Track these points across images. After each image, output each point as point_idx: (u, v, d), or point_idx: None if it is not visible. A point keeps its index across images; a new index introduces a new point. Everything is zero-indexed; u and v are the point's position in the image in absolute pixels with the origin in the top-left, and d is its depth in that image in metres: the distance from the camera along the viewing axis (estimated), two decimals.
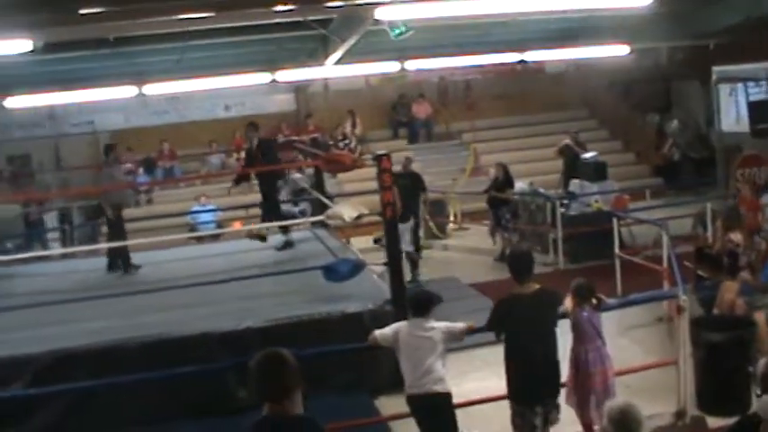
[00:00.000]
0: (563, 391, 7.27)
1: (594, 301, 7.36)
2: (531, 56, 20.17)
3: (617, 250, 12.89)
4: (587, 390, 7.21)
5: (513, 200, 16.70)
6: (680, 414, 8.04)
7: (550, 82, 25.56)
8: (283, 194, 20.61)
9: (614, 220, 13.23)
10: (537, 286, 7.07)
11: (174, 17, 11.43)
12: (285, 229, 13.87)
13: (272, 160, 13.80)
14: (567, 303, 7.36)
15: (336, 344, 9.06)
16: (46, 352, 9.01)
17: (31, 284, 13.03)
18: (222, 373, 8.97)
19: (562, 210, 15.67)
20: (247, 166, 14.32)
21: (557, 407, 7.06)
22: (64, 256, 14.77)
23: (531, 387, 6.93)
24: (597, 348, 7.27)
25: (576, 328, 7.32)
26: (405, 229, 13.79)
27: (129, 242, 12.98)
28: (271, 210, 13.88)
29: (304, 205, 18.45)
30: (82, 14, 10.51)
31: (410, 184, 16.56)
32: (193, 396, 8.85)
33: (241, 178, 14.80)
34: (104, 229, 14.55)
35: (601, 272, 12.43)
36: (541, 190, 17.36)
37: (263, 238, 13.59)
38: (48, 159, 23.75)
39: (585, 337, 7.25)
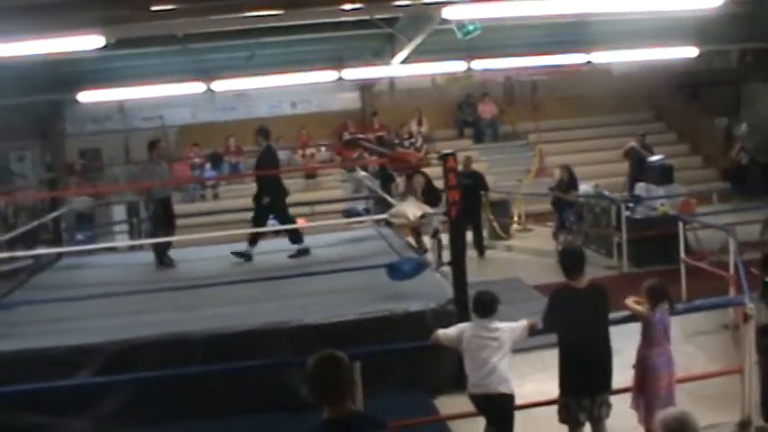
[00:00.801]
0: (628, 395, 7.25)
1: (667, 303, 7.28)
2: (598, 57, 20.02)
3: (682, 255, 12.74)
4: (653, 394, 7.14)
5: (577, 202, 16.62)
6: (744, 424, 7.92)
7: (617, 83, 25.24)
8: (347, 192, 20.77)
9: (680, 225, 13.09)
10: (588, 280, 7.06)
11: (243, 15, 11.53)
12: (294, 238, 13.68)
13: (269, 168, 13.61)
14: (630, 304, 7.30)
15: (398, 342, 9.10)
16: (112, 342, 9.16)
17: (99, 275, 13.30)
18: (284, 369, 9.03)
19: (627, 213, 15.51)
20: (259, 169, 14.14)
21: (607, 403, 7.01)
22: (131, 249, 14.98)
23: (580, 379, 6.90)
24: (666, 352, 7.18)
25: (647, 331, 7.20)
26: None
27: (181, 237, 13.08)
28: (259, 218, 13.76)
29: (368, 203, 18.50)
30: (153, 11, 10.68)
31: (472, 184, 16.57)
32: (255, 391, 8.90)
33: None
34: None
35: (665, 276, 12.16)
36: (606, 192, 17.23)
37: (248, 257, 13.53)
38: (117, 153, 24.13)
39: (656, 339, 7.15)
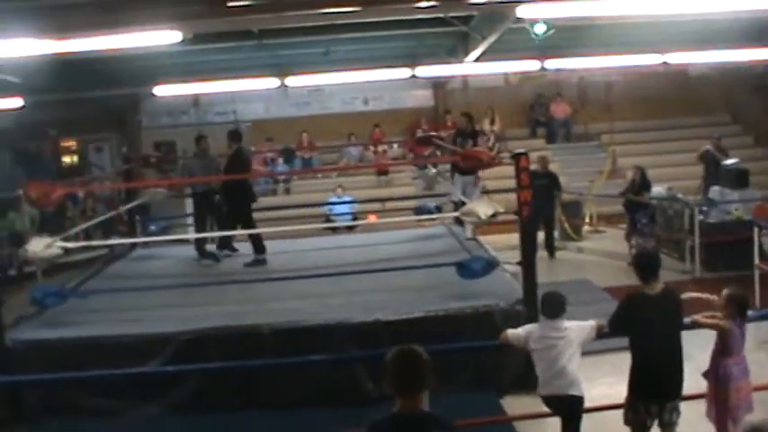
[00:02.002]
0: (698, 402, 7.16)
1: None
2: (674, 58, 19.78)
3: (757, 261, 12.53)
4: (729, 404, 7.01)
5: (650, 204, 16.42)
6: None
7: (693, 85, 24.88)
8: (418, 189, 20.79)
9: (755, 230, 12.88)
10: (662, 286, 6.97)
11: (319, 11, 11.61)
12: (258, 246, 13.30)
13: (238, 171, 13.26)
14: (703, 321, 7.18)
15: (466, 341, 9.11)
16: (183, 332, 9.31)
17: (171, 266, 13.49)
18: (351, 364, 9.10)
19: (701, 217, 15.30)
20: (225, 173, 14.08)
21: (677, 410, 6.88)
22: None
23: (650, 384, 6.79)
24: (742, 361, 7.06)
25: (726, 341, 7.03)
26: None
27: (252, 231, 13.16)
28: (223, 220, 13.65)
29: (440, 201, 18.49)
30: (230, 7, 10.80)
31: (546, 184, 16.49)
32: (321, 384, 9.01)
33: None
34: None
35: (739, 282, 12.03)
36: (680, 195, 17.01)
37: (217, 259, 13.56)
38: (191, 147, 24.39)
39: (734, 349, 7.03)
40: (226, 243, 13.82)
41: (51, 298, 10.16)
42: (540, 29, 13.46)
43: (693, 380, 7.12)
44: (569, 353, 6.97)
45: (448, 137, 16.70)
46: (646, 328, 6.81)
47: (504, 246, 14.52)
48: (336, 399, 8.91)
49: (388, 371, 4.49)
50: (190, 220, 14.99)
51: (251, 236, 13.17)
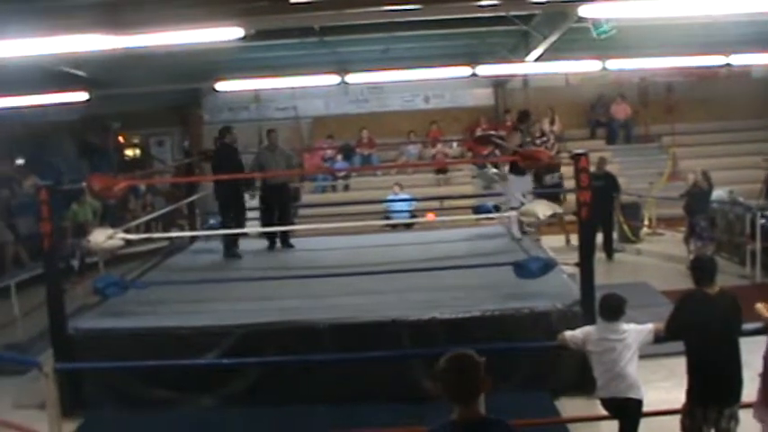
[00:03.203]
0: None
1: None
2: (737, 59, 19.50)
3: None
4: None
5: (710, 207, 16.20)
6: None
7: (757, 87, 24.54)
8: (478, 188, 20.74)
9: None
10: (718, 288, 6.88)
11: (381, 9, 11.62)
12: (231, 242, 13.80)
13: (231, 168, 13.47)
14: (762, 308, 7.09)
15: (521, 341, 9.08)
16: (240, 325, 9.40)
17: (229, 260, 13.60)
18: (407, 361, 9.11)
19: (762, 221, 15.09)
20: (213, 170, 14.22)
21: (735, 417, 6.74)
22: (261, 235, 15.27)
23: (707, 389, 6.68)
24: None
25: None
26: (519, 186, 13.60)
27: (320, 225, 13.27)
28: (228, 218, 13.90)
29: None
30: (292, 4, 10.85)
31: (604, 185, 16.35)
32: (376, 381, 9.00)
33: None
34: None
35: None
36: (741, 199, 16.79)
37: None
38: (251, 142, 24.61)
39: None
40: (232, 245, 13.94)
41: (112, 288, 10.32)
42: (602, 28, 13.36)
43: (753, 387, 7.01)
44: (628, 355, 6.92)
45: (506, 135, 16.65)
46: (702, 330, 6.73)
47: (560, 247, 14.51)
48: (392, 396, 8.94)
49: (441, 378, 4.40)
50: (251, 215, 15.10)
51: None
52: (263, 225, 14.59)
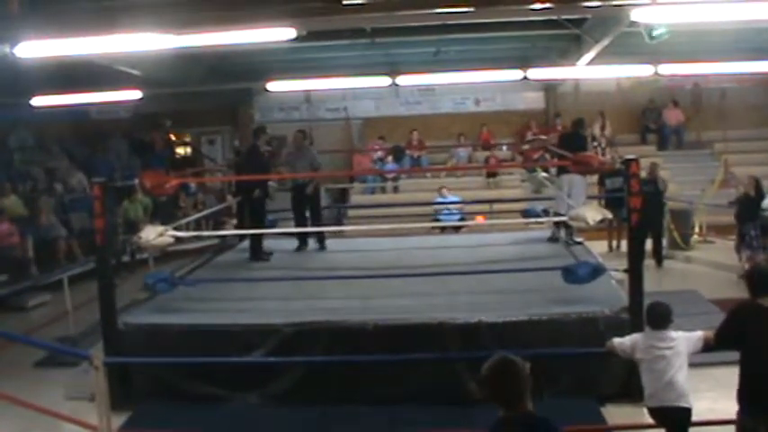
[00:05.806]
0: None
1: None
2: None
3: None
4: None
5: (761, 215, 15.99)
6: None
7: None
8: (527, 192, 20.66)
9: None
10: None
11: (433, 11, 11.63)
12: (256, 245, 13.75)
13: (255, 170, 13.45)
14: None
15: (568, 346, 9.04)
16: (288, 324, 9.43)
17: (276, 259, 13.67)
18: (453, 364, 9.09)
19: None
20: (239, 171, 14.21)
21: None
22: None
23: (759, 402, 6.60)
24: None
25: None
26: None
27: (366, 227, 13.30)
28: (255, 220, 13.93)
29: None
30: (344, 5, 10.90)
31: (654, 191, 16.22)
32: (423, 382, 9.02)
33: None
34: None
35: None
36: None
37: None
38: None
39: None
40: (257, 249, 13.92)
41: (162, 284, 10.42)
42: (654, 33, 13.27)
43: None
44: (678, 364, 6.83)
45: (551, 138, 16.59)
46: (756, 341, 6.62)
47: (602, 252, 14.37)
48: (438, 398, 8.92)
49: (486, 383, 4.46)
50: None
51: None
52: (295, 225, 14.56)
